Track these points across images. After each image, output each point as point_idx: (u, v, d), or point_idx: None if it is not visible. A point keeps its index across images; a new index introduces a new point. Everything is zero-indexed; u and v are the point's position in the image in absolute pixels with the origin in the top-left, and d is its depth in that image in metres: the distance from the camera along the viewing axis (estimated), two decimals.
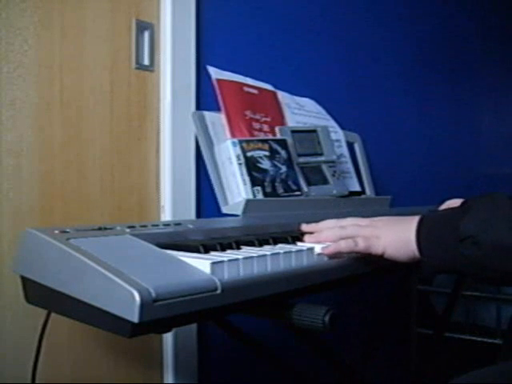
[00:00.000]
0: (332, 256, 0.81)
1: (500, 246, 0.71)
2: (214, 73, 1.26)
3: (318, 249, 0.81)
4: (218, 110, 1.23)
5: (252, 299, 0.67)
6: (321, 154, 1.32)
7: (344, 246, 0.81)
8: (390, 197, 1.52)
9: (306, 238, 0.87)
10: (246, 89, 1.30)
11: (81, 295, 0.61)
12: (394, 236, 0.81)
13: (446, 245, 0.75)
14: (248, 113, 1.26)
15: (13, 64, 1.01)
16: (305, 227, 0.92)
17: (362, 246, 0.81)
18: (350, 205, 1.34)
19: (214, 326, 1.08)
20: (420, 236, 0.78)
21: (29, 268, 0.68)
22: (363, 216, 0.91)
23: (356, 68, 1.80)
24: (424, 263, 0.79)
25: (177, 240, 0.79)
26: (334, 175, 1.33)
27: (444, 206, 1.04)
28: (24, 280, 0.70)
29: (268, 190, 1.16)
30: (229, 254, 0.71)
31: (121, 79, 1.17)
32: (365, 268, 0.86)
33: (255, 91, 1.32)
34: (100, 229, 0.75)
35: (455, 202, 1.00)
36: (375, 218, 0.88)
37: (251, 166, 1.15)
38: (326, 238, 0.85)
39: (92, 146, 1.13)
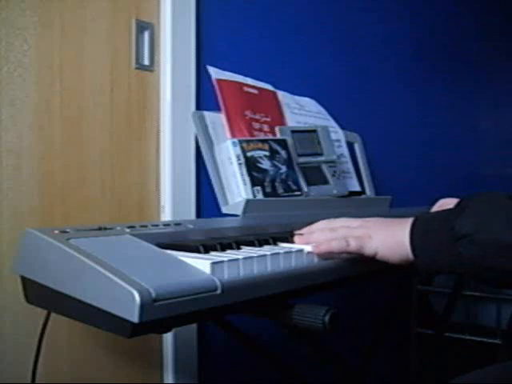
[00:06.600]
0: (323, 256, 0.79)
1: (498, 244, 0.69)
2: (214, 73, 1.26)
3: (308, 248, 0.78)
4: (218, 110, 1.23)
5: (252, 299, 0.67)
6: (321, 154, 1.32)
7: (335, 245, 0.79)
8: (390, 197, 1.52)
9: (296, 238, 0.85)
10: (245, 89, 1.30)
11: (81, 295, 0.61)
12: (387, 236, 0.79)
13: (441, 245, 0.73)
14: (248, 113, 1.26)
15: (13, 64, 1.01)
16: (297, 231, 0.89)
17: (353, 246, 0.79)
18: (350, 205, 1.34)
19: (214, 326, 1.08)
20: (414, 237, 0.76)
21: (29, 268, 0.68)
22: (363, 216, 0.90)
23: (356, 68, 1.80)
24: (418, 265, 0.77)
25: (177, 240, 0.79)
26: (334, 175, 1.32)
27: (437, 206, 1.03)
28: (24, 280, 0.70)
29: (268, 190, 1.16)
30: (229, 254, 0.71)
31: (121, 79, 1.17)
32: (365, 268, 0.86)
33: (255, 91, 1.32)
34: (100, 229, 0.75)
35: (449, 202, 1.00)
36: (366, 219, 0.85)
37: (251, 165, 1.15)
38: (316, 241, 0.82)
39: (92, 145, 1.13)
